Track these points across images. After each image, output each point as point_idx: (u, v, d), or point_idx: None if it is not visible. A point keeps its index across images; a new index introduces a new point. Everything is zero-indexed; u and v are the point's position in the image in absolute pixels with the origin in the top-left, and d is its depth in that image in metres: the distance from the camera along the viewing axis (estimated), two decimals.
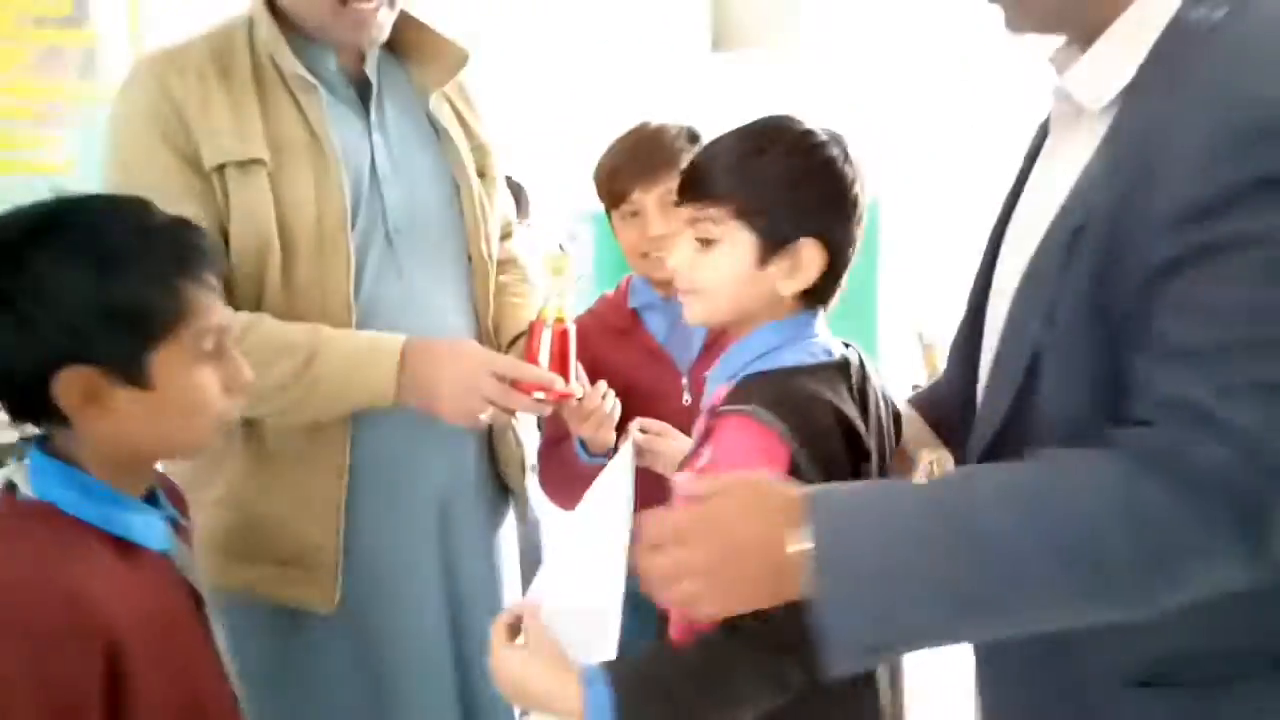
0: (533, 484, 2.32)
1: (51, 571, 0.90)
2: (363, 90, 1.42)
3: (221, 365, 1.02)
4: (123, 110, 1.32)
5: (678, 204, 1.13)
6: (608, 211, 1.58)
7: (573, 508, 1.28)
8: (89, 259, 0.92)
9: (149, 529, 1.00)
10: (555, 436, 1.55)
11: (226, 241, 1.29)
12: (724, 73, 4.10)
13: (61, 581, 0.89)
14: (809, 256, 1.07)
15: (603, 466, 1.34)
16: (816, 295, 1.11)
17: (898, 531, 0.82)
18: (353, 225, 1.33)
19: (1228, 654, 0.88)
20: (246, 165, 1.28)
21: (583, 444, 1.47)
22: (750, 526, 0.85)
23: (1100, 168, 0.89)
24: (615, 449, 1.40)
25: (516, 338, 1.52)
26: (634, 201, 1.51)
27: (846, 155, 1.09)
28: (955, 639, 0.91)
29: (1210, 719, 0.89)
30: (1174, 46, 0.88)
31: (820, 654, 0.80)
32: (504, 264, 1.62)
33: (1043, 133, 1.08)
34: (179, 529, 1.08)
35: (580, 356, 1.46)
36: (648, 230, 1.50)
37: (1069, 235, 0.89)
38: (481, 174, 1.53)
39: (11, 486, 0.96)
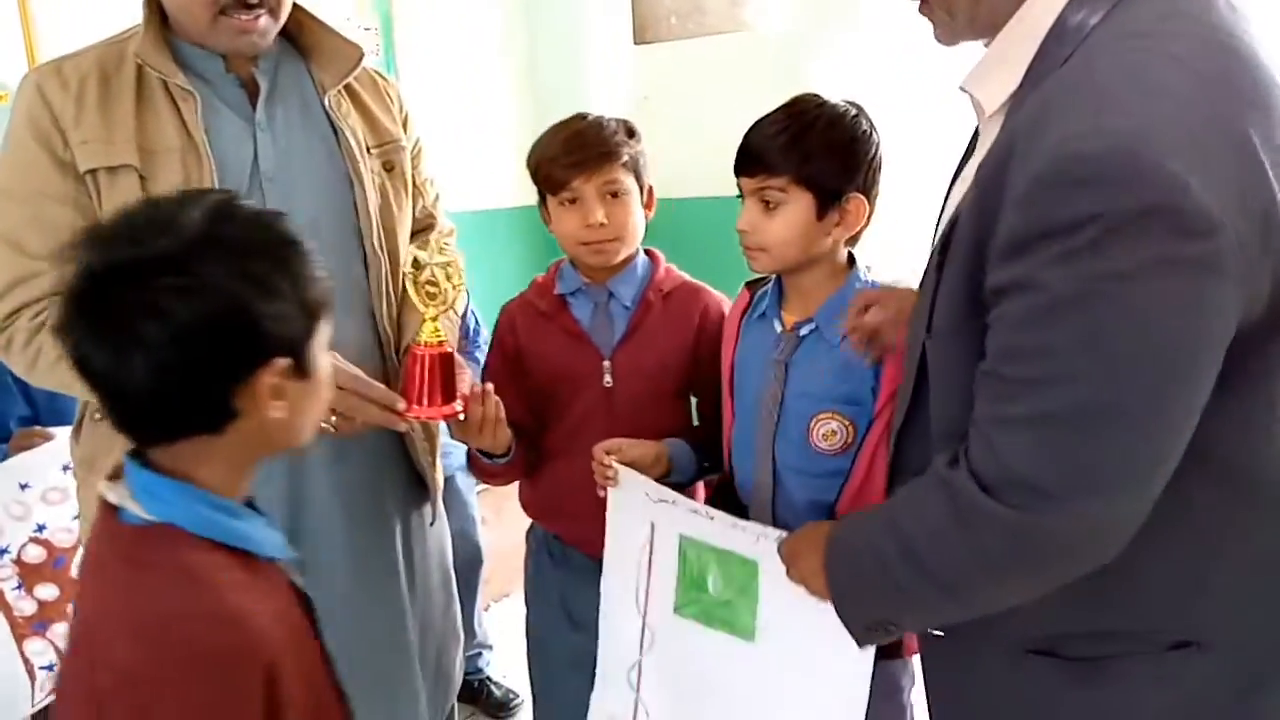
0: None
1: (208, 597, 0.87)
2: (252, 91, 1.44)
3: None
4: (12, 119, 1.37)
5: (743, 173, 1.37)
6: (542, 199, 1.59)
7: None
8: (273, 258, 0.92)
9: (267, 538, 0.98)
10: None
11: None
12: (644, 63, 4.07)
13: (222, 607, 0.86)
14: (856, 209, 1.36)
15: (503, 464, 1.55)
16: (854, 238, 1.41)
17: (860, 559, 1.06)
18: None
19: (1104, 635, 0.97)
20: (116, 170, 1.32)
21: (481, 452, 1.55)
22: (809, 560, 1.15)
23: (976, 176, 0.91)
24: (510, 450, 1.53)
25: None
26: (573, 189, 1.53)
27: (871, 123, 1.37)
28: (914, 624, 1.12)
29: (1088, 685, 0.99)
30: (1052, 51, 0.89)
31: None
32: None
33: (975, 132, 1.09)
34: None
35: (505, 341, 1.58)
36: (588, 218, 1.52)
37: (943, 241, 0.94)
38: (389, 168, 1.53)
39: (110, 508, 0.92)
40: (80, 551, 1.82)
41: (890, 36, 3.73)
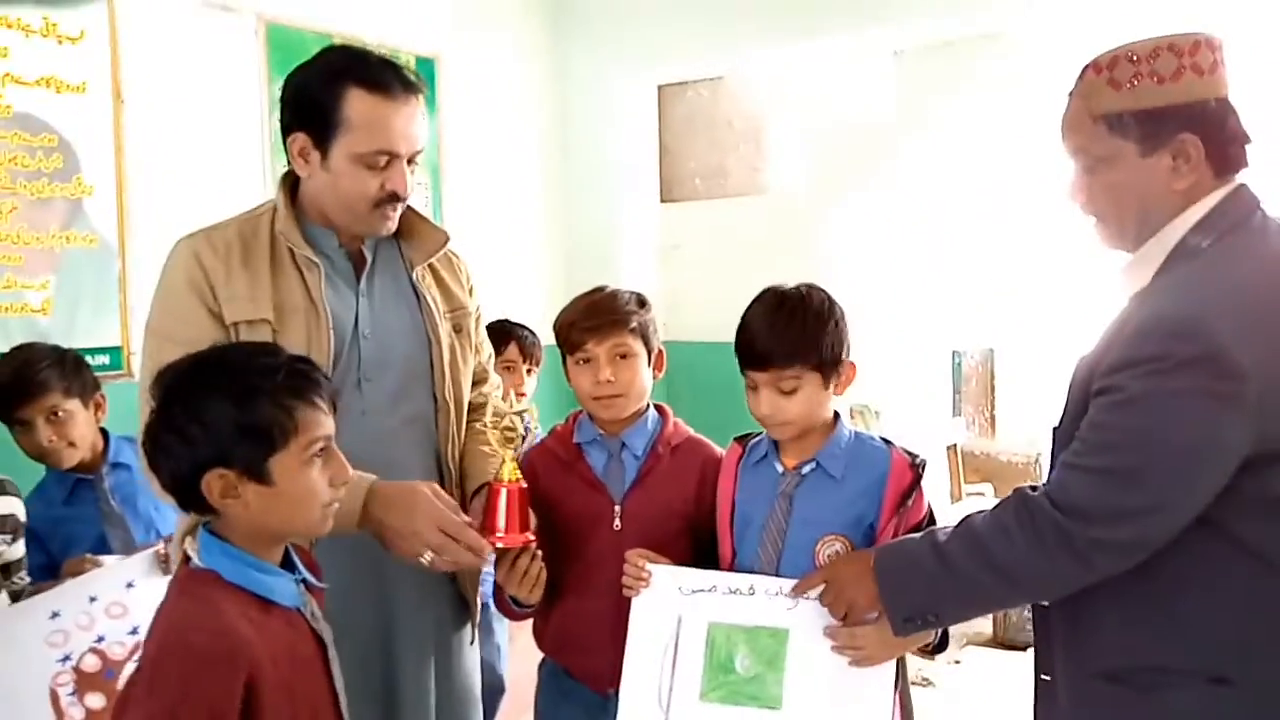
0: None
1: (210, 613, 1.20)
2: (359, 264, 1.69)
3: (328, 465, 1.30)
4: (168, 277, 1.60)
5: (757, 369, 1.57)
6: (564, 357, 1.79)
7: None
8: (230, 392, 1.23)
9: (283, 589, 1.29)
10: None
11: None
12: (671, 219, 4.40)
13: (219, 621, 1.19)
14: (850, 371, 1.62)
15: (528, 611, 1.72)
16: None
17: (911, 555, 1.41)
18: (332, 371, 1.57)
19: (1160, 669, 1.31)
20: (255, 323, 1.55)
21: (514, 599, 1.68)
22: (853, 567, 1.48)
23: (1106, 330, 1.39)
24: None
25: (480, 488, 1.70)
26: (587, 350, 1.71)
27: (834, 301, 1.62)
28: (955, 613, 1.46)
29: (1149, 707, 1.32)
30: (1172, 263, 1.34)
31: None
32: (478, 408, 1.84)
33: None
34: (310, 589, 1.36)
35: (529, 483, 1.68)
36: (599, 375, 1.70)
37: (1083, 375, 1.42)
38: (458, 329, 1.78)
39: (188, 558, 1.29)
40: (132, 664, 1.97)
41: (890, 202, 4.07)
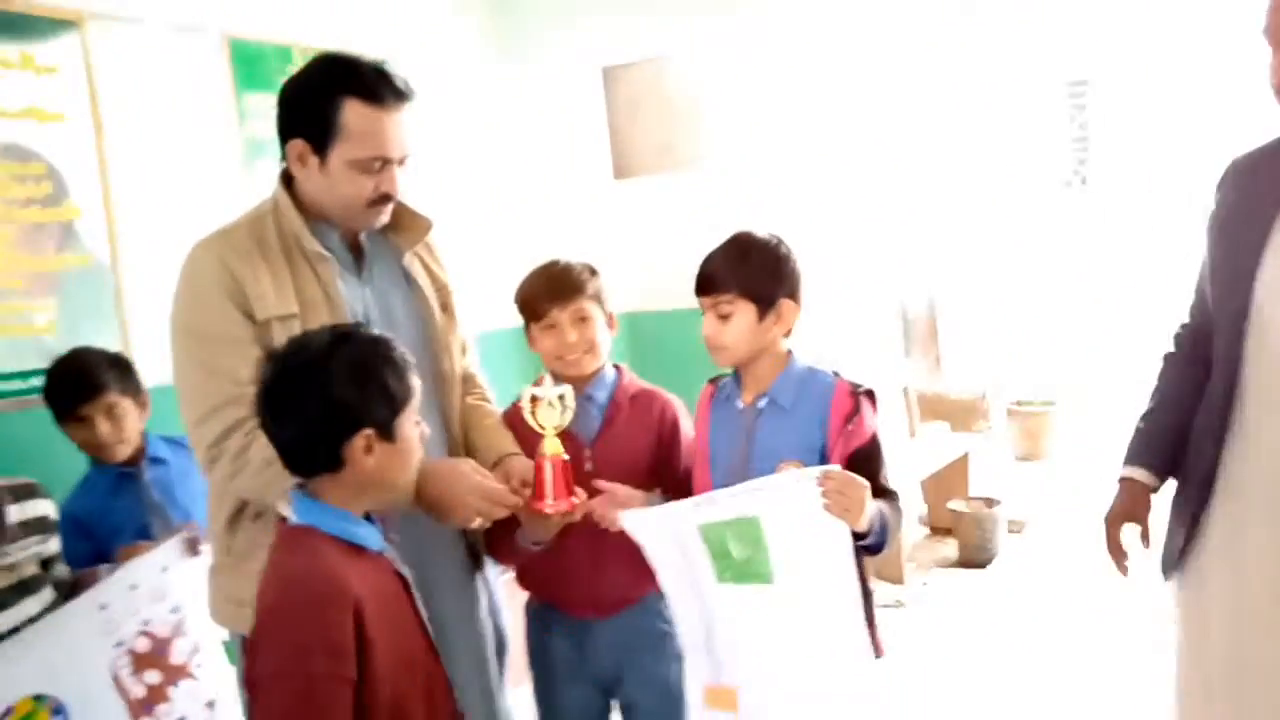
0: None
1: (319, 561, 1.41)
2: (356, 255, 1.84)
3: (419, 432, 1.54)
4: (194, 281, 1.71)
5: (700, 294, 1.78)
6: (528, 325, 2.02)
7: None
8: (368, 364, 1.45)
9: (370, 537, 1.51)
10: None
11: None
12: (624, 195, 4.59)
13: (326, 567, 1.41)
14: (788, 311, 1.78)
15: (540, 549, 1.88)
16: (788, 333, 1.82)
17: None
18: None
19: None
20: (286, 318, 1.69)
21: (535, 542, 1.85)
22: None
23: None
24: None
25: (501, 459, 1.88)
26: (552, 317, 1.95)
27: (789, 247, 1.81)
28: None
29: None
30: None
31: None
32: (467, 379, 2.02)
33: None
34: (387, 539, 1.56)
35: (516, 440, 1.91)
36: (564, 338, 1.94)
37: None
38: (444, 307, 1.94)
39: (283, 518, 1.51)
40: (178, 638, 2.16)
41: (823, 170, 4.31)
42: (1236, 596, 1.65)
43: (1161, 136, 5.18)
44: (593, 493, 1.81)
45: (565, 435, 1.83)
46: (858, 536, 1.63)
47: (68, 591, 2.17)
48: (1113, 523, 1.87)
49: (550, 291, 1.95)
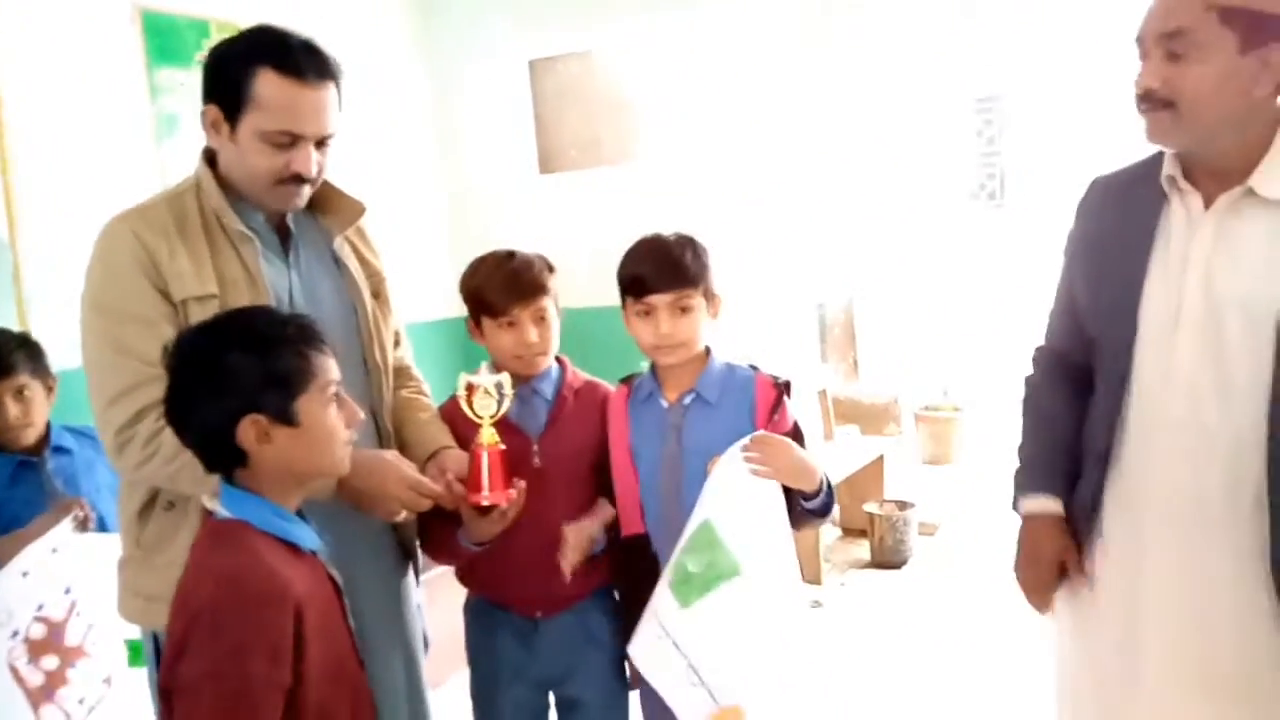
0: None
1: (257, 560, 1.31)
2: (283, 236, 1.76)
3: (342, 407, 1.43)
4: (107, 257, 1.61)
5: (659, 293, 1.75)
6: (476, 317, 1.93)
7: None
8: (253, 345, 1.35)
9: (307, 536, 1.42)
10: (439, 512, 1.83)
11: None
12: (549, 189, 4.55)
13: (265, 566, 1.31)
14: (718, 303, 1.82)
15: (482, 550, 1.82)
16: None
17: None
18: None
19: None
20: (204, 299, 1.60)
21: (475, 542, 1.78)
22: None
23: None
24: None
25: (435, 452, 1.81)
26: (512, 315, 1.87)
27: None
28: None
29: None
30: None
31: None
32: (400, 372, 1.95)
33: (1142, 220, 1.60)
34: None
35: (452, 433, 1.85)
36: (525, 338, 1.87)
37: None
38: (376, 294, 1.87)
39: (208, 512, 1.39)
40: (72, 619, 2.10)
41: (744, 165, 4.34)
42: (1130, 609, 1.63)
43: (1068, 151, 5.37)
44: (537, 488, 1.77)
45: (510, 429, 1.79)
46: (808, 498, 1.68)
47: None
48: (1043, 566, 1.71)
49: (512, 289, 1.87)
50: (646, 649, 1.76)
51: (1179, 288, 1.54)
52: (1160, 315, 1.57)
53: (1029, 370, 1.88)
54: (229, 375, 1.33)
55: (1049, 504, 1.72)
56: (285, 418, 1.36)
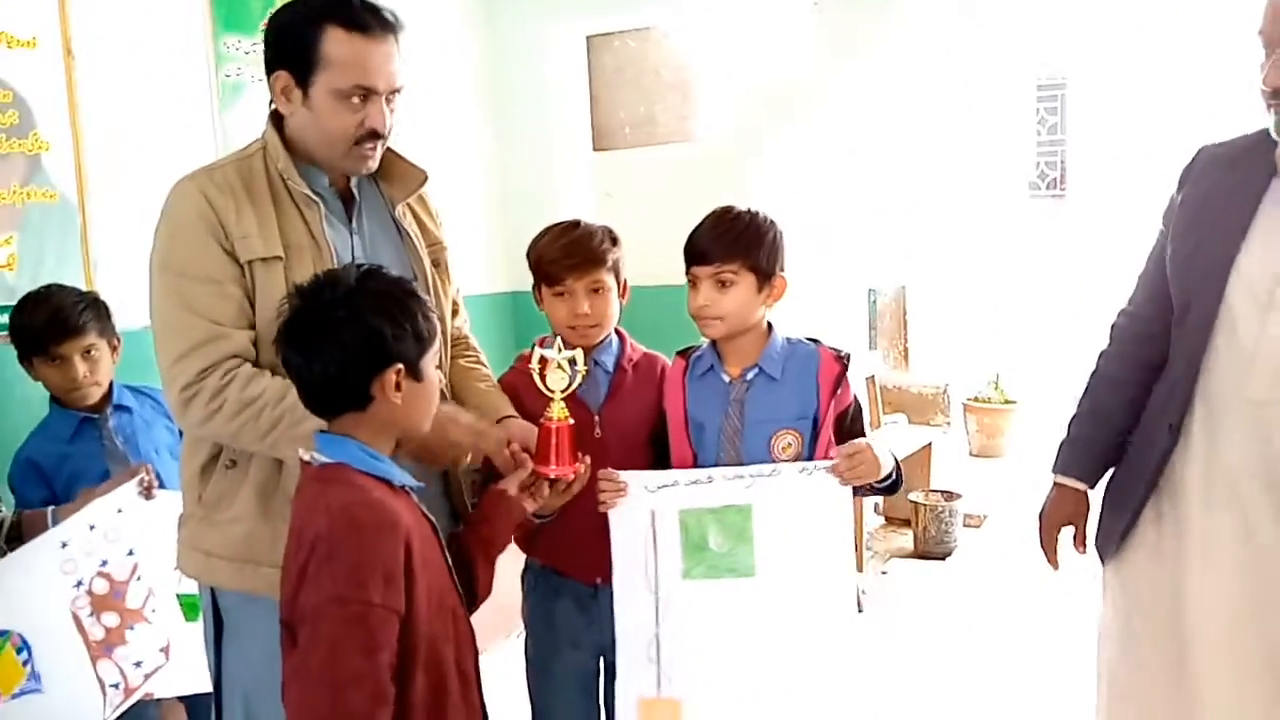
0: None
1: (366, 494, 1.39)
2: (347, 202, 1.78)
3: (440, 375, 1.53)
4: (176, 216, 1.64)
5: (700, 264, 1.76)
6: (537, 286, 1.95)
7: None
8: (400, 302, 1.44)
9: (404, 475, 1.48)
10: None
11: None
12: (603, 167, 4.54)
13: (375, 498, 1.39)
14: (781, 285, 1.81)
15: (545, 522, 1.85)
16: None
17: None
18: None
19: None
20: (270, 261, 1.63)
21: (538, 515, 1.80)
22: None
23: None
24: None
25: (500, 420, 1.82)
26: (566, 285, 1.89)
27: (775, 223, 1.83)
28: None
29: None
30: None
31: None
32: (458, 341, 1.96)
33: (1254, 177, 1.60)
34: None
35: (514, 404, 1.88)
36: (577, 308, 1.89)
37: None
38: (436, 263, 1.89)
39: (305, 463, 1.45)
40: (133, 582, 2.16)
41: (809, 147, 4.29)
42: (1177, 590, 1.66)
43: (1133, 140, 5.25)
44: (598, 459, 1.78)
45: (573, 400, 1.79)
46: (878, 481, 1.73)
47: (13, 534, 2.14)
48: (1052, 526, 1.93)
49: (568, 259, 1.88)
50: (626, 507, 1.77)
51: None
52: (1254, 289, 1.56)
53: (1105, 343, 1.92)
54: (387, 325, 1.40)
55: (1073, 483, 1.91)
56: (415, 372, 1.44)
